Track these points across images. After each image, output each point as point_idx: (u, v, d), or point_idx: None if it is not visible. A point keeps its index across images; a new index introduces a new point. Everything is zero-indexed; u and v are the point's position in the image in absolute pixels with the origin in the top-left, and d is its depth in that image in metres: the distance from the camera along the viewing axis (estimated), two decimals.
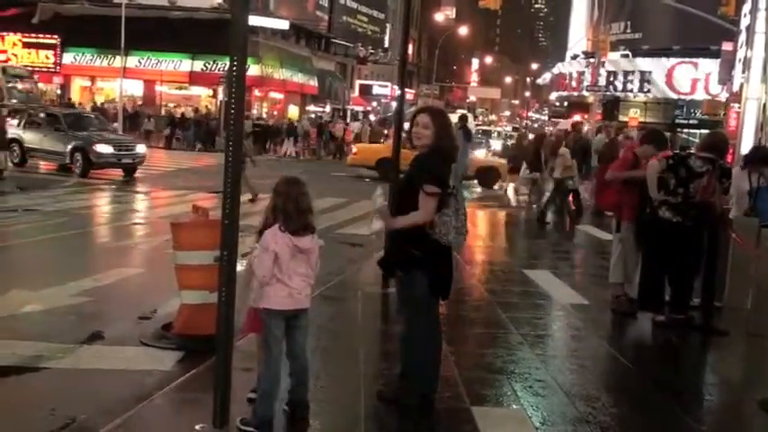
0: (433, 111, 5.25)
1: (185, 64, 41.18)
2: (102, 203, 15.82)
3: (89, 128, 21.78)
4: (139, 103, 42.19)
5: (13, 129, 21.68)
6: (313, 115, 43.95)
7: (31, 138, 21.64)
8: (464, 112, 37.80)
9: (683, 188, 7.57)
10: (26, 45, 41.92)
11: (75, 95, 44.15)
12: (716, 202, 7.74)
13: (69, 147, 20.36)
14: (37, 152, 21.63)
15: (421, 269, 4.92)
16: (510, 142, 29.57)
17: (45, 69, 42.18)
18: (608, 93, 47.60)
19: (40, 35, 41.47)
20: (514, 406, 5.45)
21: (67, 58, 41.81)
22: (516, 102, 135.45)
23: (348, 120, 48.42)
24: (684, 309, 7.81)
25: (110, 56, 39.99)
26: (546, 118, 71.53)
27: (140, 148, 21.57)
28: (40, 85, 43.31)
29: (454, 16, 74.94)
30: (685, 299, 7.84)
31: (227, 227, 4.47)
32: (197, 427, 4.66)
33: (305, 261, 4.76)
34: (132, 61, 39.89)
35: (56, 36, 41.14)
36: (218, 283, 4.53)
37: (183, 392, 5.42)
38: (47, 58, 41.45)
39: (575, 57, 56.06)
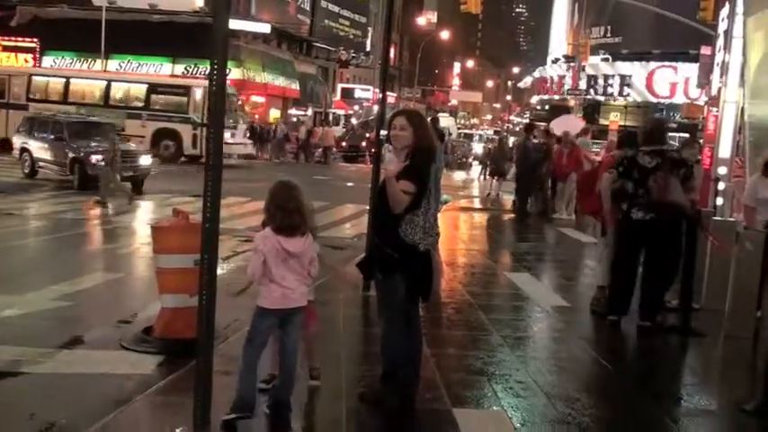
0: (409, 112, 5.31)
1: (166, 67, 40.94)
2: (84, 208, 15.71)
3: (94, 137, 19.68)
4: None
5: (23, 137, 20.85)
6: (294, 119, 43.83)
7: (37, 147, 20.31)
8: (437, 115, 37.99)
9: (643, 188, 7.63)
10: (5, 49, 41.59)
11: None
12: (677, 200, 7.64)
13: (69, 157, 18.85)
14: (45, 162, 20.11)
15: (399, 271, 4.94)
16: (491, 146, 29.60)
17: None
18: (588, 96, 47.97)
19: (19, 39, 41.15)
20: (495, 407, 5.47)
21: (47, 61, 41.46)
22: (498, 105, 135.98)
23: (331, 123, 48.34)
24: (652, 315, 7.84)
25: (90, 59, 39.74)
26: (527, 122, 71.90)
27: (144, 160, 19.37)
28: None
29: (436, 20, 75.30)
30: (654, 306, 7.87)
31: (208, 230, 4.47)
32: (177, 430, 4.66)
33: (298, 264, 4.80)
34: (113, 65, 39.66)
35: (35, 39, 40.83)
36: (198, 286, 4.53)
37: (164, 396, 5.41)
38: (26, 61, 41.10)
39: (555, 60, 56.45)
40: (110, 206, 15.84)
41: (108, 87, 30.52)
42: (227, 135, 27.91)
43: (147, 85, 30.33)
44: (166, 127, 28.68)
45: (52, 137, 19.81)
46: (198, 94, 28.66)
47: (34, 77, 31.35)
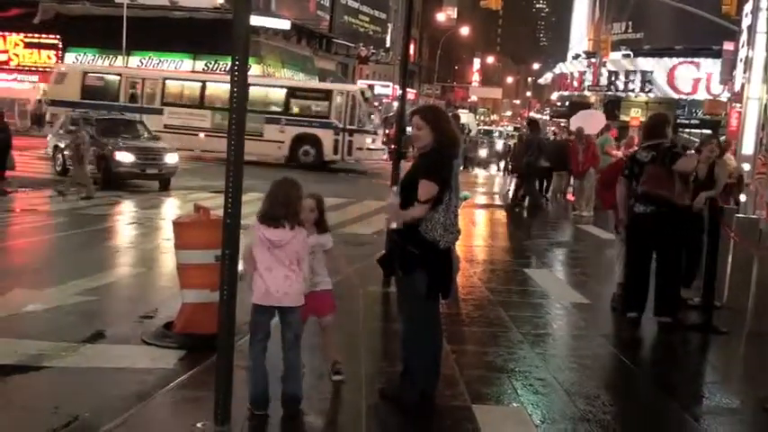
0: (424, 110, 5.26)
1: (187, 64, 41.15)
2: (104, 203, 15.82)
3: (123, 134, 19.44)
4: None
5: (57, 136, 20.64)
6: None
7: (66, 145, 19.45)
8: (457, 111, 37.81)
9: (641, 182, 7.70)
10: (28, 45, 42.02)
11: None
12: (666, 194, 7.57)
13: (96, 154, 18.23)
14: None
15: (420, 268, 4.93)
16: (513, 142, 29.46)
17: (47, 70, 42.28)
18: (609, 92, 47.66)
19: (42, 35, 41.52)
20: (515, 404, 5.47)
21: (69, 58, 41.78)
22: (518, 102, 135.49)
23: None
24: (668, 311, 7.79)
25: (111, 56, 39.97)
26: (547, 118, 71.58)
27: (170, 158, 18.81)
28: (42, 85, 43.54)
29: (455, 16, 74.70)
30: (668, 301, 7.82)
31: (229, 226, 4.49)
32: (198, 424, 4.69)
33: (284, 256, 4.84)
34: (134, 61, 39.91)
35: (57, 36, 41.18)
36: (219, 281, 4.55)
37: (185, 390, 5.44)
38: (48, 58, 41.48)
39: (576, 56, 56.14)
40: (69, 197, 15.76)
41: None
42: (368, 140, 27.17)
43: (285, 90, 29.21)
44: (307, 132, 27.45)
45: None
46: (339, 98, 27.82)
47: (168, 81, 30.29)
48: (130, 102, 28.75)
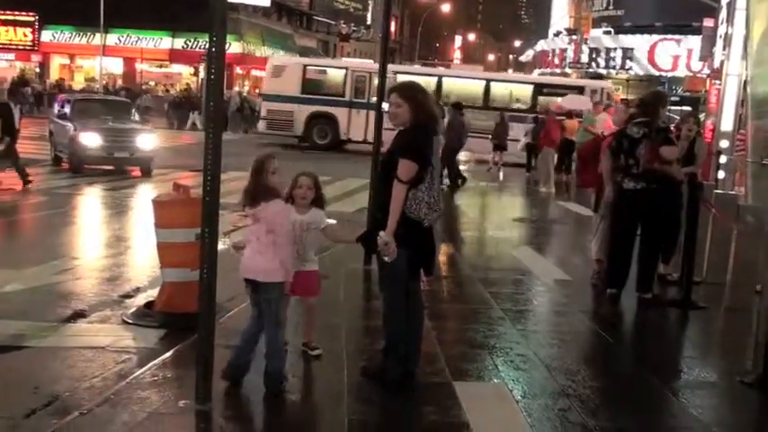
0: (402, 87, 5.20)
1: (166, 41, 40.82)
2: (82, 183, 15.69)
3: (101, 116, 17.78)
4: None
5: (53, 121, 19.23)
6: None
7: (56, 130, 18.45)
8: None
9: (632, 158, 7.64)
10: (3, 23, 41.43)
11: (55, 74, 43.71)
12: (662, 169, 7.63)
13: (69, 137, 17.08)
14: (60, 145, 18.11)
15: (401, 245, 4.91)
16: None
17: (23, 47, 41.77)
18: (590, 70, 47.75)
19: (18, 12, 40.93)
20: (495, 380, 5.50)
21: (46, 35, 41.34)
22: None
23: None
24: (650, 287, 7.87)
25: (89, 33, 39.58)
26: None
27: (143, 142, 17.19)
28: (18, 63, 43.02)
29: None
30: (650, 277, 7.90)
31: (208, 204, 4.47)
32: (180, 403, 4.69)
33: (256, 230, 4.91)
34: (112, 39, 39.52)
35: (33, 13, 40.61)
36: (199, 260, 4.53)
37: (166, 369, 5.43)
38: (25, 35, 40.99)
39: (557, 34, 56.17)
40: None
41: (487, 88, 27.25)
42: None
43: (532, 86, 27.37)
44: None
45: (62, 116, 18.28)
46: (592, 94, 25.27)
47: (399, 75, 26.31)
48: (356, 97, 26.81)
